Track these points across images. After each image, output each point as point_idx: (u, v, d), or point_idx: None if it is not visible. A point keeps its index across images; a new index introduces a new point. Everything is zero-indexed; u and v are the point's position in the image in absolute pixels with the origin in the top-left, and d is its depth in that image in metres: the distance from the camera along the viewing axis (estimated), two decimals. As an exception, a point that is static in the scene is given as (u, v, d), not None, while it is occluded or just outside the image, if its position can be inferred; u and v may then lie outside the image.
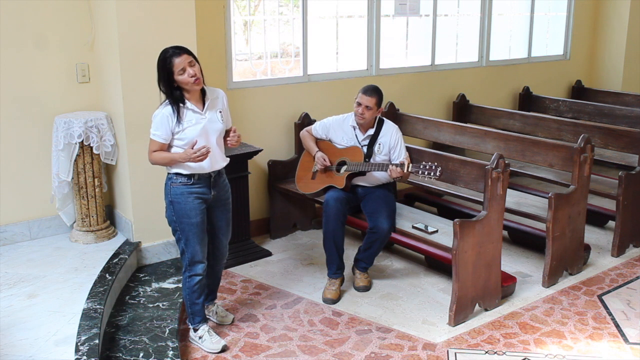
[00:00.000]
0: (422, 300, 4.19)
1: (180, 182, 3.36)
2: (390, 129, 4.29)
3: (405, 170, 3.91)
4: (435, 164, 3.85)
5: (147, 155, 3.41)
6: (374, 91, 4.18)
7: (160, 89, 3.32)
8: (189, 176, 3.36)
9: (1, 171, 4.26)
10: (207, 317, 3.77)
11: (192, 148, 3.26)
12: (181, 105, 3.30)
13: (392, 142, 4.24)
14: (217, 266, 3.74)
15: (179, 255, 4.37)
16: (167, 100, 3.32)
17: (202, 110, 3.36)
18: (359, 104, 4.18)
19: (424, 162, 3.89)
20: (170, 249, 4.40)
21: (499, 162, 3.88)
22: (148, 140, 3.37)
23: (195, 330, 3.59)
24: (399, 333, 3.78)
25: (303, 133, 4.53)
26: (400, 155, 4.22)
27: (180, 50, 3.27)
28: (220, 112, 3.45)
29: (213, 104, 3.42)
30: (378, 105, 4.18)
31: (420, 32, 6.11)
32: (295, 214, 5.31)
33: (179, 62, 3.23)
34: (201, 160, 3.27)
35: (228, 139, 3.48)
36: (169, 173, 3.42)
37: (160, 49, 3.29)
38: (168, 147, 3.37)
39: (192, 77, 3.25)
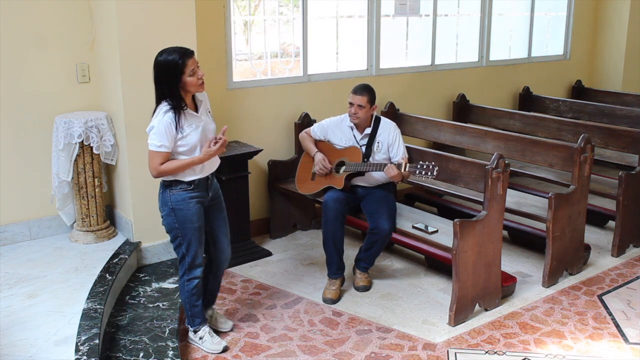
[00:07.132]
0: (422, 300, 4.19)
1: (180, 188, 3.28)
2: (387, 126, 4.28)
3: (403, 170, 3.91)
4: (433, 163, 3.84)
5: (150, 171, 3.23)
6: (364, 89, 4.18)
7: (160, 92, 3.18)
8: (189, 182, 3.29)
9: (1, 171, 4.26)
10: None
11: (209, 146, 3.21)
12: (181, 110, 3.18)
13: (390, 139, 4.24)
14: (219, 271, 3.67)
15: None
16: (164, 108, 3.17)
17: (198, 113, 3.29)
18: (351, 104, 4.19)
19: (421, 162, 3.89)
20: (170, 249, 4.37)
21: (499, 162, 3.88)
22: (148, 139, 3.32)
23: (196, 332, 3.57)
24: (399, 333, 3.78)
25: (302, 135, 4.53)
26: (399, 153, 4.22)
27: (190, 51, 3.17)
28: (209, 111, 3.41)
29: (204, 105, 3.36)
30: (371, 103, 4.18)
31: (420, 32, 6.11)
32: (295, 214, 5.31)
33: (191, 62, 3.14)
34: (221, 151, 3.24)
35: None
36: (164, 181, 3.31)
37: (160, 49, 3.25)
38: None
39: (200, 78, 3.18)
